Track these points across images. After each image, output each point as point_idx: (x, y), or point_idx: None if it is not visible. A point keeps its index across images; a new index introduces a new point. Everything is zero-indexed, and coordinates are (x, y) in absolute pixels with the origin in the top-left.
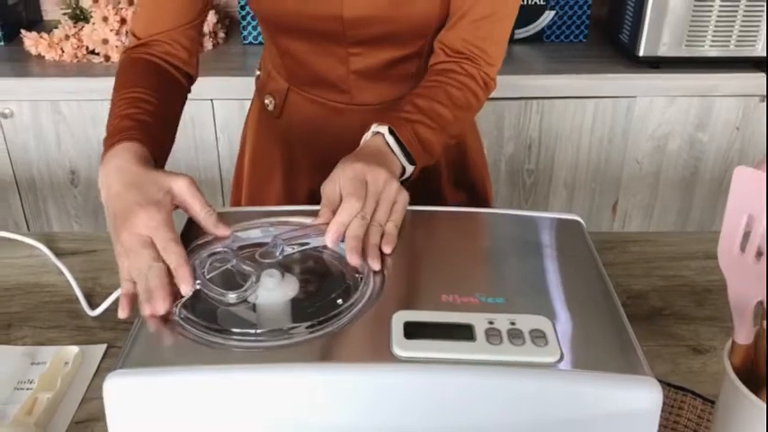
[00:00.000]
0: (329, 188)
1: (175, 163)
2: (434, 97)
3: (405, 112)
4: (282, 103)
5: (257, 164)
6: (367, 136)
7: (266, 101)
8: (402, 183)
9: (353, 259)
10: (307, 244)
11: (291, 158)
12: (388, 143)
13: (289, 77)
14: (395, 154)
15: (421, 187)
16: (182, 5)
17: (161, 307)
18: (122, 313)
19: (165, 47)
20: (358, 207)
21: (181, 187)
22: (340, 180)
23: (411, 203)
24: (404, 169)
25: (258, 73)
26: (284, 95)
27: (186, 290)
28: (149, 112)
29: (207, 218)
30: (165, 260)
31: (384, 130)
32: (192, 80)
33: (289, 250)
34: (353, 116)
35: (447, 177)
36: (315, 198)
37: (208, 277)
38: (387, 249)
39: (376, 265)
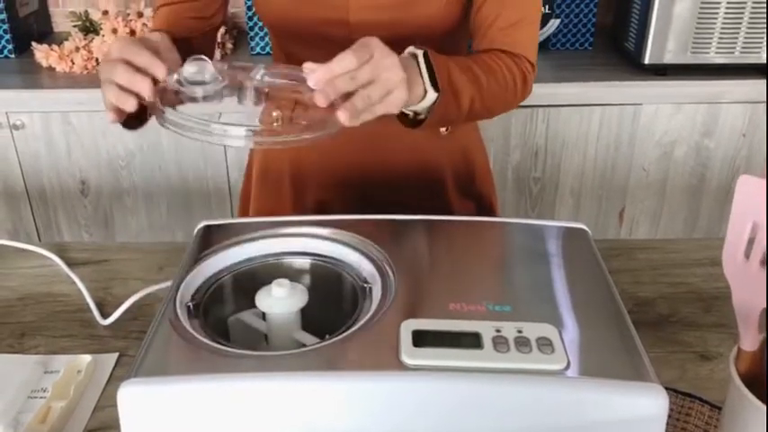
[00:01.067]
0: (339, 54)
1: (184, 174)
2: (472, 59)
3: (441, 57)
4: (290, 116)
5: (265, 175)
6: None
7: (274, 114)
8: (417, 121)
9: (320, 101)
10: (292, 82)
11: (300, 169)
12: (418, 63)
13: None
14: (421, 75)
15: (429, 203)
16: (198, 9)
17: (129, 103)
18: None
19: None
20: (352, 64)
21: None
22: (352, 46)
23: (419, 213)
24: (425, 95)
25: None
26: (292, 107)
27: (161, 74)
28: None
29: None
30: (137, 63)
31: (419, 51)
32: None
33: (267, 79)
34: (361, 125)
35: (455, 192)
36: (323, 210)
37: (184, 75)
38: (343, 118)
39: (342, 117)
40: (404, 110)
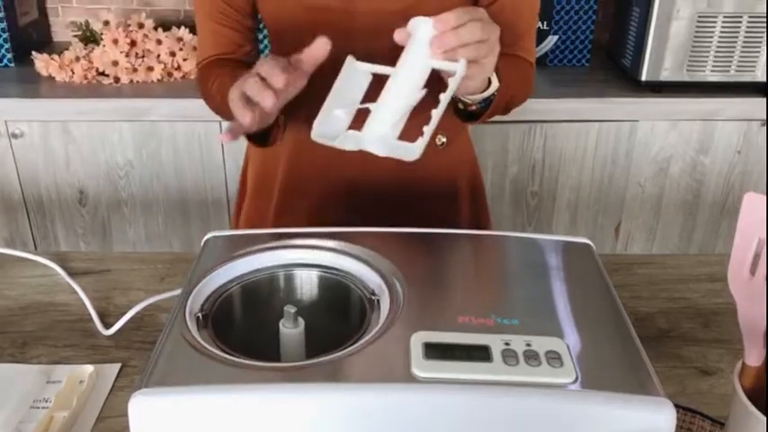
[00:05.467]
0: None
1: (182, 183)
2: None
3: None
4: (285, 125)
5: (258, 184)
6: None
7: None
8: (469, 114)
9: (438, 48)
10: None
11: (291, 179)
12: None
13: (296, 97)
14: None
15: (422, 217)
16: (232, 40)
17: (267, 99)
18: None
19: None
20: (467, 19)
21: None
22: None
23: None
24: (489, 85)
25: None
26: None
27: (279, 83)
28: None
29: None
30: (262, 74)
31: None
32: None
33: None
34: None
35: (447, 206)
36: (312, 222)
37: None
38: (462, 63)
39: (461, 63)
40: (464, 98)
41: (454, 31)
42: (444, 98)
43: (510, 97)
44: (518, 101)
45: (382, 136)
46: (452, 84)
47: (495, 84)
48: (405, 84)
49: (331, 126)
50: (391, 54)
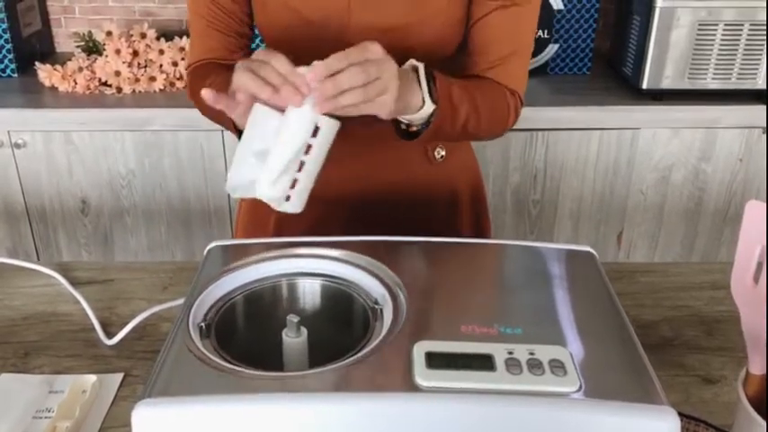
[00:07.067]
0: (337, 53)
1: (185, 191)
2: (472, 81)
3: (443, 75)
4: None
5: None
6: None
7: None
8: (410, 134)
9: (320, 98)
10: None
11: None
12: (417, 75)
13: None
14: (420, 86)
15: (424, 227)
16: (224, 45)
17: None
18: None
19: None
20: (350, 61)
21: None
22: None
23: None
24: (422, 106)
25: None
26: None
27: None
28: None
29: None
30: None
31: (419, 64)
32: None
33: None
34: (355, 148)
35: (448, 216)
36: (314, 232)
37: None
38: (319, 99)
39: (317, 98)
40: (400, 119)
41: (331, 79)
42: (311, 159)
43: (464, 122)
44: (485, 129)
45: (268, 187)
46: (317, 145)
47: (428, 108)
48: (290, 137)
49: (244, 176)
50: None
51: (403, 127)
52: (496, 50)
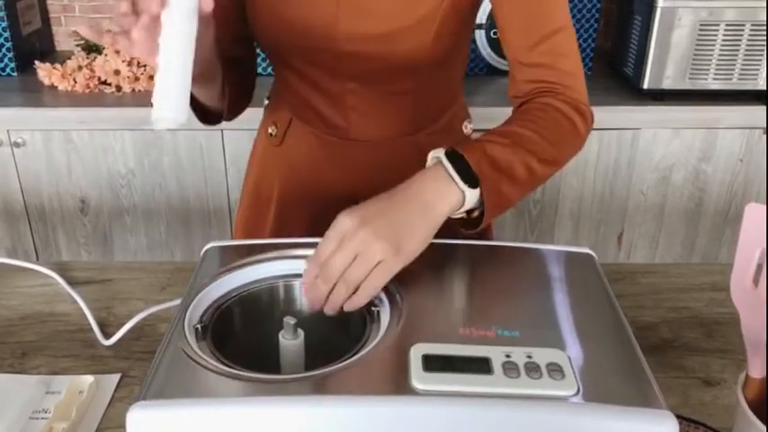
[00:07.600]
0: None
1: (184, 192)
2: (508, 122)
3: (475, 141)
4: (284, 132)
5: (256, 193)
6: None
7: (270, 129)
8: (468, 223)
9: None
10: None
11: (289, 189)
12: (444, 166)
13: (291, 108)
14: (452, 177)
15: (440, 234)
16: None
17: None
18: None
19: None
20: (326, 253)
21: None
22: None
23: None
24: (464, 197)
25: (266, 102)
26: (287, 124)
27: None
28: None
29: None
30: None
31: (440, 152)
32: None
33: None
34: (351, 151)
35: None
36: (311, 232)
37: None
38: (347, 307)
39: (329, 313)
40: (456, 215)
41: (317, 280)
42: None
43: (536, 168)
44: (564, 155)
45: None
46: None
47: (471, 194)
48: (177, 57)
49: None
50: (378, 76)
51: (463, 216)
52: (532, 38)
